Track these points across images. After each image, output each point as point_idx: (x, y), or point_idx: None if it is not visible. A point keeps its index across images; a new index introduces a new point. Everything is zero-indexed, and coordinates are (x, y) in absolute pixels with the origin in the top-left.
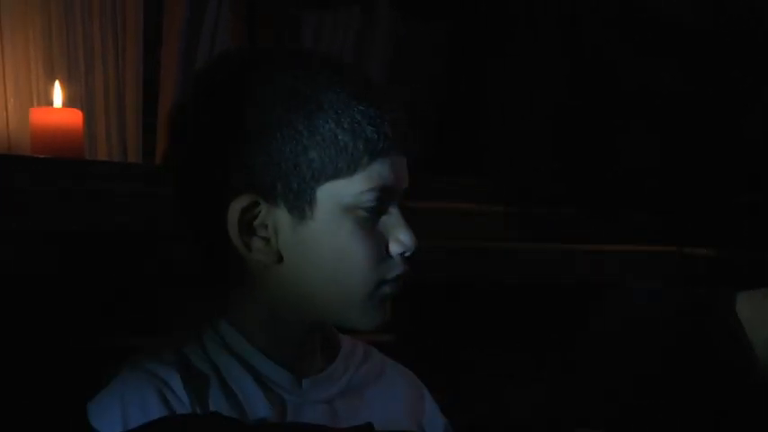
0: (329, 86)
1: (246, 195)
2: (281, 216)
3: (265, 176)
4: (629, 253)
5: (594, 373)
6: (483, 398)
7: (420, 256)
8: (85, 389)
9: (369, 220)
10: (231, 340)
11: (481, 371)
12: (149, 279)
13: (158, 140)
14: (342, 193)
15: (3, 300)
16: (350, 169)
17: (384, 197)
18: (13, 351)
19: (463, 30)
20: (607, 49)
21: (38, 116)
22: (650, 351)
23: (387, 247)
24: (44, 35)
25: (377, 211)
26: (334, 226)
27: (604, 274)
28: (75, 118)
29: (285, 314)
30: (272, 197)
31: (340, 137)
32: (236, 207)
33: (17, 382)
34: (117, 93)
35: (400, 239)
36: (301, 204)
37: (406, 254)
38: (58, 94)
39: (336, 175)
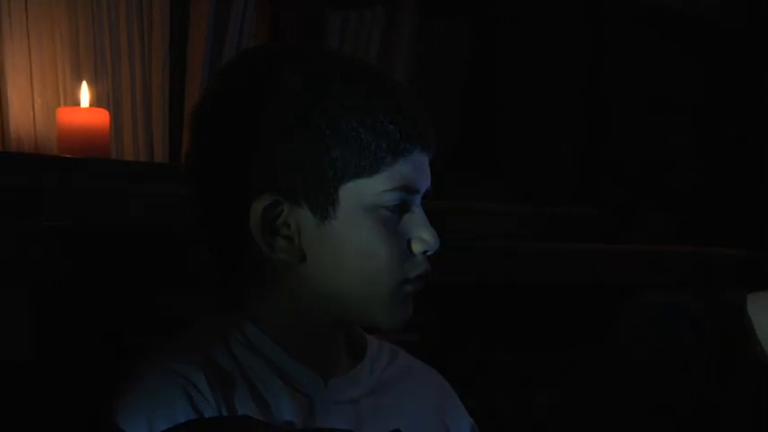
0: (352, 85)
1: (268, 195)
2: (304, 215)
3: (287, 176)
4: (651, 253)
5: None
6: (507, 398)
7: (444, 256)
8: (106, 387)
9: (391, 218)
10: (256, 340)
11: (505, 371)
12: (174, 278)
13: (184, 140)
14: (364, 192)
15: (32, 298)
16: (373, 168)
17: (407, 196)
18: (40, 349)
19: (486, 26)
20: (631, 47)
21: (65, 116)
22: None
23: (409, 245)
24: (71, 35)
25: (399, 209)
26: (357, 225)
27: (628, 275)
28: (102, 118)
29: (308, 313)
30: (294, 196)
31: (363, 135)
32: (257, 207)
33: (43, 379)
34: (143, 92)
35: (423, 238)
36: (324, 203)
37: (429, 252)
38: (84, 94)
39: (359, 174)
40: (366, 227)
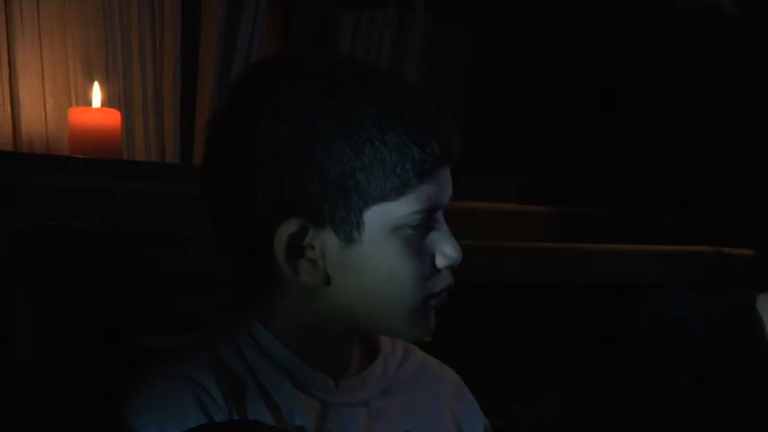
0: (372, 103)
1: (294, 220)
2: (329, 238)
3: (312, 200)
4: (663, 253)
5: (624, 374)
6: (518, 399)
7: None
8: (114, 389)
9: (415, 236)
10: (267, 343)
11: (518, 371)
12: (174, 279)
13: (196, 142)
14: (390, 216)
15: (42, 299)
16: (398, 192)
17: (431, 215)
18: (50, 350)
19: (496, 27)
20: (642, 46)
21: (76, 116)
22: (679, 355)
23: (433, 260)
24: (82, 36)
25: (424, 228)
26: (383, 247)
27: (640, 275)
28: (114, 118)
29: (326, 324)
30: (319, 221)
31: (387, 158)
32: (283, 233)
33: (52, 380)
34: (155, 93)
35: (447, 253)
36: (349, 228)
37: (453, 266)
38: (96, 95)
39: (385, 197)
40: (392, 248)
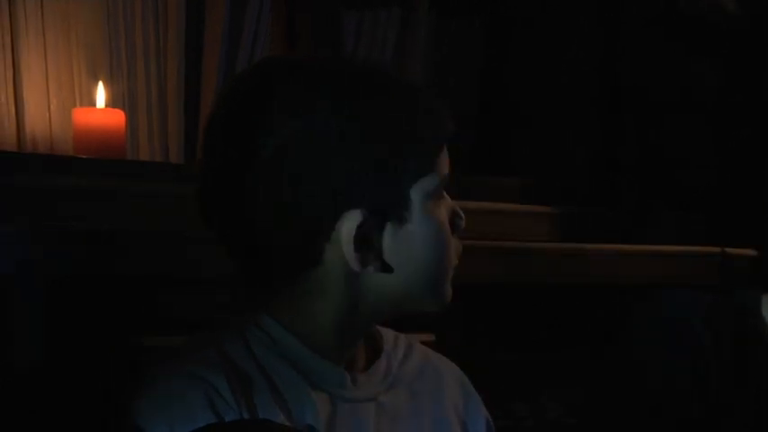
0: (383, 93)
1: (355, 211)
2: (385, 225)
3: (366, 189)
4: (669, 254)
5: (628, 376)
6: (521, 398)
7: (462, 257)
8: (122, 387)
9: (440, 205)
10: (279, 338)
11: (520, 371)
12: (184, 280)
13: (200, 142)
14: (427, 188)
15: (42, 299)
16: (431, 164)
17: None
18: (50, 350)
19: (500, 27)
20: (646, 46)
21: (80, 116)
22: (680, 355)
23: (452, 226)
24: (87, 35)
25: (439, 196)
26: (426, 221)
27: (642, 275)
28: (118, 118)
29: (359, 317)
30: (376, 209)
31: (419, 134)
32: (350, 225)
33: (53, 380)
34: (159, 93)
35: (459, 214)
36: (401, 211)
37: (462, 227)
38: (100, 95)
39: (422, 173)
40: (433, 219)
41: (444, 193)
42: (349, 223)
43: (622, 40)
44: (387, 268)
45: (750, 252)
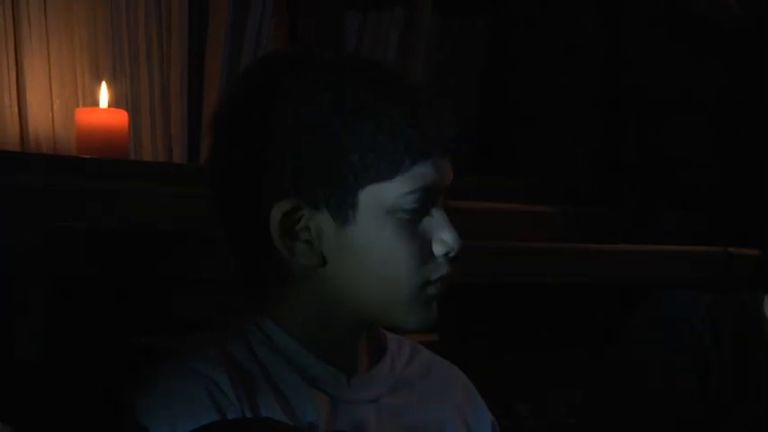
0: (368, 88)
1: (288, 200)
2: (324, 219)
3: (306, 180)
4: (667, 253)
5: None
6: (524, 398)
7: (464, 257)
8: (123, 386)
9: (411, 221)
10: (278, 339)
11: (521, 371)
12: (185, 280)
13: (203, 142)
14: (384, 196)
15: (45, 298)
16: (392, 172)
17: (426, 198)
18: (51, 349)
19: (502, 27)
20: (648, 46)
21: (83, 116)
22: (681, 356)
23: (431, 248)
24: (90, 36)
25: (419, 212)
26: (377, 228)
27: (643, 275)
28: (121, 118)
29: (331, 314)
30: (313, 201)
31: (380, 139)
32: (277, 212)
33: (54, 380)
34: (162, 93)
35: (444, 240)
36: (344, 208)
37: (451, 254)
38: (103, 95)
39: (378, 177)
40: (386, 230)
41: (437, 214)
42: (276, 211)
43: (624, 40)
44: (324, 263)
45: (752, 252)
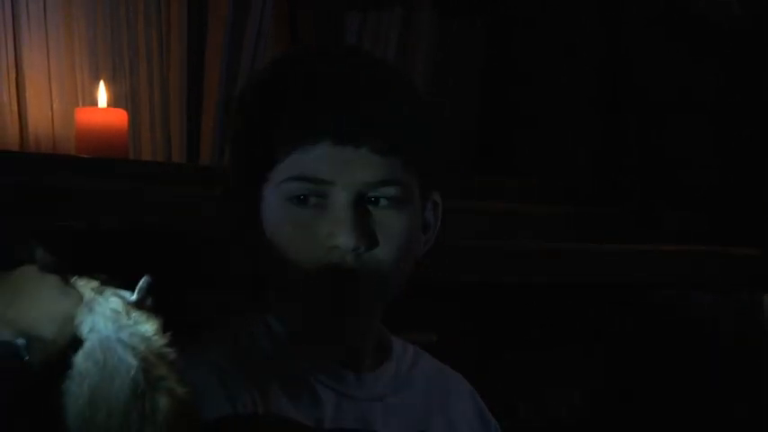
0: (289, 72)
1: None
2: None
3: (239, 151)
4: (668, 253)
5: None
6: (523, 398)
7: (464, 257)
8: None
9: (302, 212)
10: (282, 335)
11: (521, 370)
12: (186, 280)
13: (202, 141)
14: (272, 181)
15: None
16: (281, 154)
17: (311, 187)
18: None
19: (502, 27)
20: (648, 46)
21: (83, 116)
22: (682, 354)
23: (323, 240)
24: (89, 35)
25: (313, 203)
26: (273, 215)
27: (644, 275)
28: (120, 118)
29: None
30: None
31: (283, 122)
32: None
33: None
34: (161, 92)
35: (333, 233)
36: (261, 183)
37: (342, 250)
38: (102, 94)
39: (263, 165)
40: (278, 213)
41: (338, 205)
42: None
43: (624, 40)
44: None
45: (752, 251)
